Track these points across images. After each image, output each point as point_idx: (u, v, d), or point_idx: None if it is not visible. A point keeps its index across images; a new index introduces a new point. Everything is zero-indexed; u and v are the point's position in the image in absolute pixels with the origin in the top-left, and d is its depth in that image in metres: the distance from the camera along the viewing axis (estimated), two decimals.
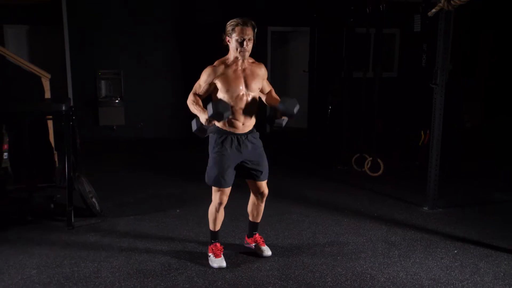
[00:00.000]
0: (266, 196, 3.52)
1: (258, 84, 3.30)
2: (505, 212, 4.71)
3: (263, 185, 3.47)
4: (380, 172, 5.93)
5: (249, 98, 3.26)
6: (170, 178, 5.81)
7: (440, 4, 4.17)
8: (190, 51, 8.46)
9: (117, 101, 8.29)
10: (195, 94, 3.28)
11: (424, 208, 4.73)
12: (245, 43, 3.11)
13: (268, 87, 3.49)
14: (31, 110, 4.51)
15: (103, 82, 8.27)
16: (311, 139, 8.08)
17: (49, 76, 5.46)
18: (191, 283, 3.19)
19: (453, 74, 8.96)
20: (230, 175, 3.29)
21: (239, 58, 3.19)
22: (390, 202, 4.98)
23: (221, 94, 3.22)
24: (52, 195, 4.71)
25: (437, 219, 4.47)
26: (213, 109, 3.02)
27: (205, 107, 3.17)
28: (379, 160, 5.95)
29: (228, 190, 3.33)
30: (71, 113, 4.39)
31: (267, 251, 3.61)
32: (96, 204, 4.46)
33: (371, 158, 6.04)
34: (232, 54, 3.22)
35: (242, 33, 3.10)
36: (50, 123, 5.48)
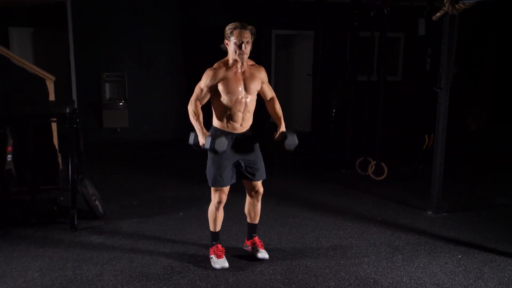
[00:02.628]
0: (261, 195, 3.56)
1: (257, 86, 3.35)
2: (510, 217, 4.69)
3: (258, 184, 3.50)
4: (384, 176, 5.91)
5: (248, 100, 3.30)
6: (173, 181, 5.81)
7: (445, 8, 4.16)
8: (194, 54, 8.47)
9: (121, 103, 8.30)
10: (197, 101, 3.30)
11: (428, 212, 4.71)
12: (243, 46, 3.16)
13: (270, 93, 3.51)
14: (35, 113, 4.52)
15: (107, 84, 8.29)
16: (315, 143, 8.06)
17: (53, 78, 5.48)
18: (193, 286, 3.18)
19: (457, 77, 8.93)
20: (228, 174, 3.34)
21: (238, 60, 3.22)
22: (394, 206, 4.96)
23: (220, 97, 3.25)
24: (55, 198, 4.73)
25: (441, 223, 4.45)
26: (211, 144, 3.15)
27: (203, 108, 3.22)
28: (383, 164, 5.93)
29: (226, 189, 3.38)
30: (75, 115, 4.40)
31: (264, 254, 3.60)
32: (100, 207, 4.46)
33: (375, 162, 6.02)
34: (231, 57, 3.26)
35: (240, 36, 3.14)
36: (54, 125, 5.49)
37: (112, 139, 8.35)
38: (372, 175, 6.02)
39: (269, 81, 9.61)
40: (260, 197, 3.57)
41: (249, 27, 3.19)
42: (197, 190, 5.26)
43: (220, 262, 3.44)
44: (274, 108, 3.53)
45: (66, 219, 4.21)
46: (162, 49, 8.49)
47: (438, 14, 4.32)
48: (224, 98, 3.24)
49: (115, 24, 8.22)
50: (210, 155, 3.35)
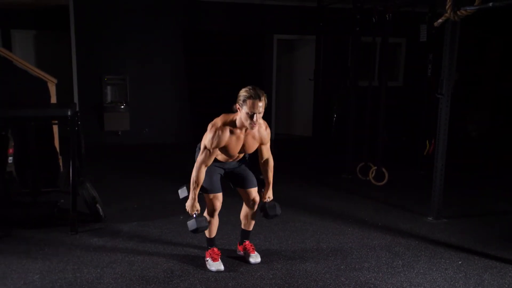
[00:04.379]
0: (257, 203, 3.57)
1: (257, 144, 3.40)
2: (510, 223, 4.68)
3: (253, 192, 3.52)
4: (385, 181, 5.91)
5: (241, 155, 3.44)
6: (174, 184, 5.76)
7: (446, 15, 4.17)
8: (196, 57, 8.49)
9: (122, 106, 8.32)
10: (203, 166, 3.29)
11: (429, 218, 4.71)
12: (255, 117, 3.12)
13: (266, 154, 3.51)
14: (36, 115, 4.53)
15: (108, 87, 8.31)
16: (316, 148, 8.06)
17: (55, 81, 5.49)
18: None
19: (458, 83, 8.93)
20: (217, 182, 3.41)
21: (248, 128, 3.22)
22: (394, 211, 4.96)
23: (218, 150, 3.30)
24: (56, 200, 4.73)
25: (441, 229, 4.44)
26: (194, 224, 3.29)
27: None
28: (383, 169, 5.93)
29: (221, 196, 3.42)
30: (76, 118, 4.41)
31: (255, 258, 3.62)
32: (100, 210, 4.46)
33: (376, 167, 6.02)
34: (240, 121, 3.21)
35: (253, 107, 3.09)
36: (55, 128, 5.50)
37: (113, 142, 8.36)
38: (373, 181, 6.01)
39: (270, 86, 9.61)
40: (256, 206, 3.58)
41: (263, 96, 3.13)
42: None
43: (215, 265, 3.47)
44: (266, 170, 3.55)
45: (67, 221, 4.20)
46: (164, 52, 8.51)
47: (440, 20, 4.33)
48: (222, 152, 3.32)
49: (117, 27, 8.25)
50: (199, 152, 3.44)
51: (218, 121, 3.25)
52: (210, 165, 3.33)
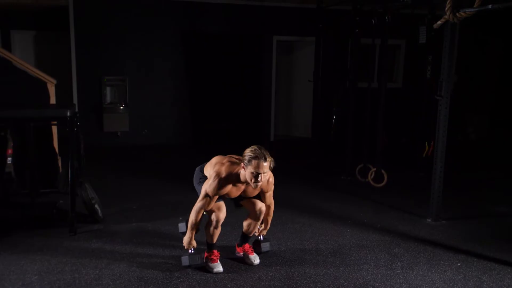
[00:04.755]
0: (263, 214, 3.59)
1: (257, 192, 3.46)
2: (509, 225, 4.68)
3: (259, 203, 3.55)
4: (384, 183, 5.91)
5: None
6: (173, 185, 5.81)
7: (446, 17, 4.17)
8: (196, 59, 8.49)
9: (121, 107, 8.31)
10: (202, 211, 3.37)
11: (428, 220, 4.71)
12: (259, 178, 3.16)
13: (268, 200, 3.60)
14: (36, 116, 4.53)
15: (108, 88, 8.30)
16: (315, 149, 8.06)
17: (54, 81, 5.48)
18: None
19: (458, 85, 8.94)
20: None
21: (251, 186, 3.26)
22: (393, 213, 4.96)
23: None
24: (55, 201, 4.73)
25: (440, 231, 4.44)
26: (187, 260, 3.46)
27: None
28: (382, 171, 5.93)
29: (223, 206, 3.45)
30: (75, 119, 4.40)
31: (255, 260, 3.65)
32: (99, 211, 4.46)
33: (375, 169, 6.02)
34: (244, 177, 3.25)
35: (258, 168, 3.14)
36: (54, 129, 5.49)
37: (112, 143, 8.36)
38: (372, 182, 6.01)
39: (270, 87, 9.62)
40: (262, 217, 3.60)
41: (269, 159, 3.16)
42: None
43: (214, 266, 3.48)
44: (267, 214, 3.65)
45: (65, 222, 4.20)
46: (164, 53, 8.51)
47: (439, 22, 4.33)
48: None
49: (116, 28, 8.25)
50: (199, 185, 3.52)
51: (223, 171, 3.28)
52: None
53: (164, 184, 5.87)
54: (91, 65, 8.21)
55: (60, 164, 5.61)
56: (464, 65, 9.26)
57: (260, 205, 3.55)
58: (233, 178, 3.28)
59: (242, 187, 3.37)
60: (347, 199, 5.43)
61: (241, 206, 3.65)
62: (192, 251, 3.49)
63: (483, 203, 5.40)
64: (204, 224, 3.51)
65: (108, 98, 8.33)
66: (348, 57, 7.09)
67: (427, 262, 3.72)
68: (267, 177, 3.29)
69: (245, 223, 3.68)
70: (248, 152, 3.18)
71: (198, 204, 3.35)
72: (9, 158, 4.72)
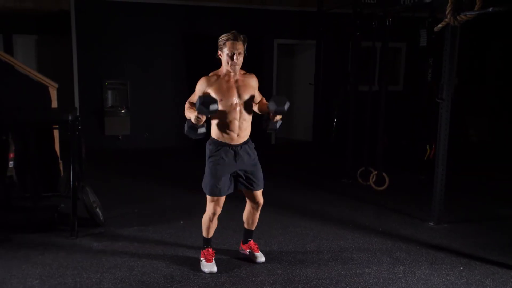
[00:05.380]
0: (261, 205, 3.61)
1: (251, 92, 3.40)
2: None
3: (258, 194, 3.55)
4: (385, 186, 5.90)
5: (243, 109, 3.35)
6: (174, 189, 5.81)
7: (446, 20, 4.18)
8: (197, 62, 8.49)
9: (123, 111, 8.32)
10: (190, 102, 3.42)
11: (430, 223, 4.70)
12: (235, 57, 3.26)
13: (259, 97, 3.56)
14: (37, 119, 4.53)
15: (109, 92, 8.31)
16: (316, 152, 8.06)
17: (56, 85, 5.49)
18: None
19: (459, 88, 8.94)
20: (225, 184, 3.37)
21: (230, 71, 3.31)
22: (395, 216, 4.94)
23: None
24: (56, 204, 4.72)
25: (442, 234, 4.43)
26: (199, 101, 3.16)
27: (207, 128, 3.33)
28: (384, 174, 5.92)
29: (222, 200, 3.43)
30: (77, 122, 4.41)
31: (260, 257, 3.68)
32: (100, 214, 4.46)
33: (376, 172, 6.01)
34: (224, 67, 3.34)
35: (232, 48, 3.24)
36: (56, 132, 5.50)
37: (113, 147, 8.36)
38: (373, 185, 6.01)
39: (271, 90, 9.63)
40: (260, 207, 3.63)
41: (241, 37, 3.27)
42: (198, 198, 5.24)
43: (209, 266, 3.51)
44: (262, 103, 3.53)
45: (67, 226, 4.21)
46: (165, 57, 8.52)
47: (440, 25, 4.34)
48: (219, 106, 3.25)
49: (118, 32, 8.26)
50: (208, 164, 3.40)
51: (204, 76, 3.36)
52: (223, 162, 3.33)
53: (165, 188, 5.87)
54: (92, 69, 8.22)
55: (61, 168, 5.61)
56: (465, 68, 9.27)
57: (259, 197, 3.55)
58: (215, 74, 3.36)
59: (232, 82, 3.33)
60: (348, 203, 5.42)
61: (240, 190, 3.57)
62: (204, 129, 3.28)
63: (485, 206, 5.39)
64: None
65: (110, 102, 8.33)
66: (349, 60, 7.09)
67: (429, 266, 3.71)
68: (241, 57, 3.30)
69: (245, 216, 3.70)
70: (221, 37, 3.28)
71: (187, 101, 3.43)
72: (11, 162, 4.72)
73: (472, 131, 9.58)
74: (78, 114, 4.70)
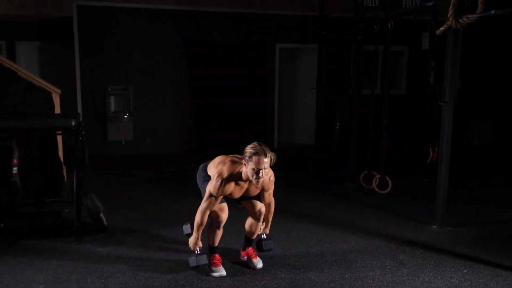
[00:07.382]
0: (263, 214, 3.62)
1: (259, 191, 3.47)
2: None
3: (257, 202, 3.57)
4: (389, 189, 5.89)
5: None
6: (177, 194, 5.82)
7: (449, 23, 4.19)
8: (199, 68, 8.52)
9: (125, 116, 8.34)
10: (208, 211, 3.38)
11: (433, 226, 4.69)
12: (261, 173, 3.18)
13: (268, 199, 3.59)
14: (41, 126, 4.55)
15: (112, 97, 8.33)
16: (319, 156, 8.06)
17: (59, 91, 5.51)
18: None
19: (461, 91, 8.94)
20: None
21: (254, 183, 3.29)
22: (398, 220, 4.94)
23: None
24: (60, 210, 4.74)
25: (446, 237, 4.43)
26: (194, 261, 3.46)
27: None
28: (387, 178, 5.92)
29: (225, 207, 3.46)
30: (80, 128, 4.43)
31: (258, 264, 3.68)
32: (104, 220, 4.46)
33: (379, 175, 6.01)
34: (245, 174, 3.28)
35: (259, 164, 3.15)
36: (59, 138, 5.51)
37: (116, 152, 8.38)
38: (376, 189, 6.00)
39: (273, 94, 9.61)
40: (262, 217, 3.64)
41: (269, 154, 3.19)
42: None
43: (218, 270, 3.53)
44: (267, 212, 3.66)
45: (71, 231, 4.21)
46: (167, 62, 8.54)
47: (442, 28, 4.35)
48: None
49: (120, 38, 8.29)
50: (203, 184, 3.52)
51: (225, 171, 3.29)
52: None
53: (168, 193, 5.88)
54: (95, 75, 8.25)
55: (65, 174, 5.63)
56: (468, 71, 9.27)
57: (260, 206, 3.57)
58: (235, 177, 3.30)
59: (245, 186, 3.38)
60: (352, 206, 5.42)
61: (242, 205, 3.66)
62: (198, 252, 3.48)
63: (489, 209, 5.38)
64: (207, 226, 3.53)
65: (112, 107, 8.36)
66: (351, 64, 7.10)
67: (433, 269, 3.71)
68: (268, 173, 3.31)
69: (247, 225, 3.71)
70: (248, 149, 3.20)
71: (203, 204, 3.36)
72: (15, 168, 4.73)
73: (475, 134, 9.56)
74: (81, 119, 4.71)
